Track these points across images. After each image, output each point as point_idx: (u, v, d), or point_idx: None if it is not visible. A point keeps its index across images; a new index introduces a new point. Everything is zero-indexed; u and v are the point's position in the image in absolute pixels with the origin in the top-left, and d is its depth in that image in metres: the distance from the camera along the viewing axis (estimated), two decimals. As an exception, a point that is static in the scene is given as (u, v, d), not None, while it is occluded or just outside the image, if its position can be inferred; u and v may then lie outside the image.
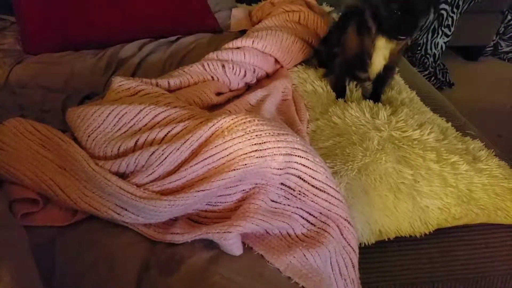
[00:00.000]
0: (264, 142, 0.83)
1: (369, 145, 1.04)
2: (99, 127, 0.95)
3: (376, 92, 1.30)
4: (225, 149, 0.83)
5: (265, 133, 0.83)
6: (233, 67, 1.26)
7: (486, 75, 2.88)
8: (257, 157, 0.82)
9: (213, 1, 1.68)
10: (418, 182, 1.00)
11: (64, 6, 1.47)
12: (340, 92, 1.30)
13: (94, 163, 0.87)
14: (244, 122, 0.85)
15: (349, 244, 0.86)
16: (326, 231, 0.84)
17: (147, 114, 0.95)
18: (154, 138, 0.89)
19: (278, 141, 0.84)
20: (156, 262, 0.78)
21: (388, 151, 1.04)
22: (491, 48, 3.05)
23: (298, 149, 0.85)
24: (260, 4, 1.77)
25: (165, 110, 0.95)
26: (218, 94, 1.22)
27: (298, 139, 0.86)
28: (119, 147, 0.91)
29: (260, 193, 0.84)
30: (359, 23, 1.19)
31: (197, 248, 0.79)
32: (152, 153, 0.85)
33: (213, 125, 0.86)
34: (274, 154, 0.84)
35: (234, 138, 0.83)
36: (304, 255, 0.79)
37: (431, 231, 0.98)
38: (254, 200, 0.82)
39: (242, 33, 1.58)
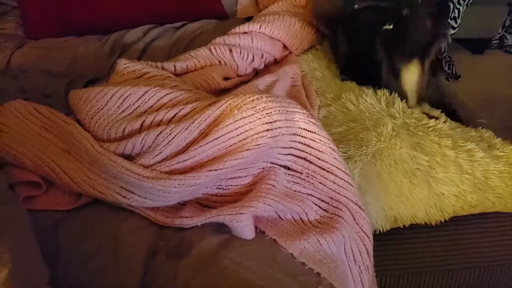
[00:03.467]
0: (275, 121, 0.80)
1: (383, 131, 1.01)
2: (102, 108, 0.92)
3: None
4: (236, 128, 0.79)
5: (275, 111, 0.80)
6: (240, 51, 1.23)
7: (492, 67, 2.84)
8: (269, 137, 0.79)
9: (218, -13, 1.65)
10: (434, 168, 0.97)
11: (66, -9, 1.43)
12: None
13: (99, 145, 0.84)
14: (253, 100, 0.81)
15: (362, 230, 0.83)
16: (339, 216, 0.81)
17: (152, 96, 0.91)
18: (162, 119, 0.86)
19: (287, 119, 0.81)
20: (164, 247, 0.75)
21: (403, 137, 1.01)
22: (497, 41, 3.00)
23: (304, 129, 0.83)
24: (266, -9, 1.74)
25: (171, 92, 0.91)
26: (226, 79, 1.18)
27: (305, 117, 0.84)
28: (124, 128, 0.88)
29: (270, 174, 0.81)
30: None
31: (207, 232, 0.76)
32: (159, 133, 0.82)
33: (221, 105, 0.83)
34: (283, 134, 0.81)
35: (244, 117, 0.79)
36: (318, 241, 0.76)
37: (447, 219, 0.94)
38: (266, 181, 0.79)
39: (248, 20, 1.54)
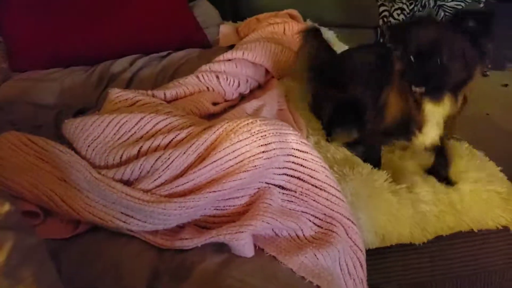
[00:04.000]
0: (270, 143, 0.84)
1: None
2: (99, 136, 0.93)
3: (438, 170, 1.06)
4: (233, 151, 0.83)
5: (269, 133, 0.84)
6: (227, 77, 1.27)
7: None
8: (265, 158, 0.83)
9: (200, 18, 1.70)
10: (412, 191, 1.02)
11: (53, 24, 1.46)
12: (376, 163, 1.07)
13: (97, 172, 0.86)
14: (248, 124, 0.85)
15: (355, 244, 0.86)
16: (333, 232, 0.84)
17: (148, 122, 0.94)
18: (159, 145, 0.89)
19: (281, 141, 0.85)
20: (166, 269, 0.76)
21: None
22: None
23: (297, 149, 0.87)
24: (246, 21, 1.80)
25: (166, 118, 0.95)
26: (214, 104, 1.22)
27: (297, 138, 0.88)
28: (122, 155, 0.90)
29: (266, 193, 0.84)
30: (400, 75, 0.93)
31: (208, 252, 0.77)
32: (158, 158, 0.84)
33: (217, 129, 0.86)
34: (278, 155, 0.85)
35: (241, 140, 0.83)
36: (315, 255, 0.79)
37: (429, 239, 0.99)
38: (263, 200, 0.82)
39: (230, 47, 1.60)
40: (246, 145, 0.83)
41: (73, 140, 0.95)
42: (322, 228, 0.85)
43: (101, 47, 1.48)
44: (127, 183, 0.84)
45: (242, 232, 0.75)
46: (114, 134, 0.93)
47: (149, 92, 1.15)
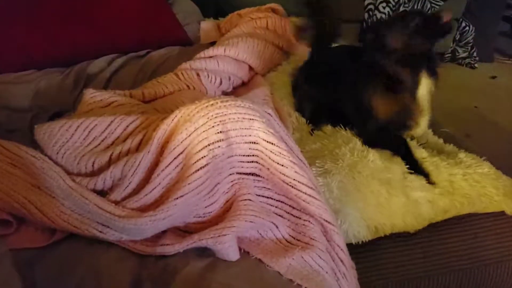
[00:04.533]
0: (229, 130, 0.76)
1: (355, 146, 1.03)
2: (67, 142, 0.87)
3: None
4: (191, 142, 0.75)
5: (229, 118, 0.76)
6: (208, 75, 1.23)
7: (447, 79, 2.96)
8: (225, 146, 0.75)
9: (180, 15, 1.66)
10: (406, 178, 0.99)
11: (25, 25, 1.39)
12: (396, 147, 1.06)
13: (71, 179, 0.82)
14: (207, 106, 0.76)
15: (337, 244, 0.82)
16: (311, 228, 0.79)
17: (118, 125, 0.88)
18: (129, 149, 0.84)
19: (242, 128, 0.77)
20: (148, 276, 0.72)
21: (373, 151, 1.03)
22: (449, 55, 3.16)
23: (263, 139, 0.78)
24: (228, 17, 1.76)
25: (137, 119, 0.89)
26: (195, 103, 1.18)
27: (264, 126, 0.78)
28: (93, 163, 0.85)
29: (242, 188, 0.79)
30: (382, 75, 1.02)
31: (191, 257, 0.74)
32: (125, 163, 0.79)
33: (175, 116, 0.79)
34: (239, 143, 0.78)
35: (197, 128, 0.75)
36: (302, 257, 0.75)
37: (424, 227, 0.97)
38: (241, 197, 0.77)
39: (212, 44, 1.56)
40: (203, 131, 0.75)
41: (43, 146, 0.89)
42: (300, 219, 0.80)
43: (76, 48, 1.42)
44: (101, 193, 0.80)
45: (225, 235, 0.71)
46: (84, 139, 0.87)
47: (127, 92, 1.10)
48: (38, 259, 0.77)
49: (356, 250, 0.92)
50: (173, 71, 1.25)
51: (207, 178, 0.76)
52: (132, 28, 1.48)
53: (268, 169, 0.80)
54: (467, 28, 2.39)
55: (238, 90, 1.32)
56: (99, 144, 0.89)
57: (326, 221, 0.81)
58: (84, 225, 0.77)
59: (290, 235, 0.79)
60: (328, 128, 1.13)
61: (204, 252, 0.74)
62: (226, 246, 0.71)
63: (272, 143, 0.78)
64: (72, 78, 1.35)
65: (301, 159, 0.84)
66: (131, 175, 0.78)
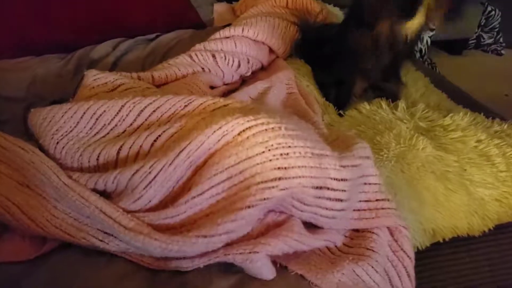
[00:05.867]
0: (292, 167, 0.61)
1: (400, 132, 0.88)
2: (71, 131, 0.75)
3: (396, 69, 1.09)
4: (240, 172, 0.61)
5: (294, 152, 0.61)
6: (225, 56, 1.09)
7: (472, 68, 2.81)
8: (281, 188, 0.60)
9: (191, -3, 1.52)
10: (465, 170, 0.83)
11: (22, 5, 1.26)
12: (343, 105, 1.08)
13: (67, 176, 0.67)
14: (266, 130, 0.62)
15: (401, 249, 0.68)
16: (373, 233, 0.66)
17: (130, 110, 0.75)
18: (141, 146, 0.70)
19: (311, 167, 0.62)
20: (159, 297, 0.58)
21: (422, 138, 0.88)
22: (474, 41, 3.00)
23: (334, 178, 0.63)
24: (242, -1, 1.62)
25: (154, 101, 0.75)
26: (211, 88, 1.04)
27: (335, 161, 0.63)
28: (99, 155, 0.72)
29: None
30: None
31: (214, 274, 0.60)
32: (136, 172, 0.64)
33: (220, 127, 0.64)
34: (304, 186, 0.62)
35: (250, 157, 0.61)
36: (354, 271, 0.60)
37: (491, 228, 0.81)
38: (287, 220, 0.63)
39: (227, 27, 1.42)
40: (257, 164, 0.60)
41: (40, 135, 0.77)
42: (358, 231, 0.67)
43: (78, 31, 1.28)
44: (104, 194, 0.66)
45: (258, 252, 0.56)
46: (91, 128, 0.75)
47: (134, 74, 0.96)
48: (25, 275, 0.64)
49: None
50: (186, 52, 1.10)
51: (243, 224, 0.61)
52: (139, 8, 1.35)
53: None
54: (493, 12, 2.23)
55: (258, 75, 1.18)
56: (108, 133, 0.76)
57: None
58: (81, 233, 0.64)
59: (344, 243, 0.65)
60: (366, 106, 1.01)
61: (229, 267, 0.59)
62: (258, 265, 0.56)
63: (344, 180, 0.64)
64: (73, 64, 1.22)
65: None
66: (143, 188, 0.64)
